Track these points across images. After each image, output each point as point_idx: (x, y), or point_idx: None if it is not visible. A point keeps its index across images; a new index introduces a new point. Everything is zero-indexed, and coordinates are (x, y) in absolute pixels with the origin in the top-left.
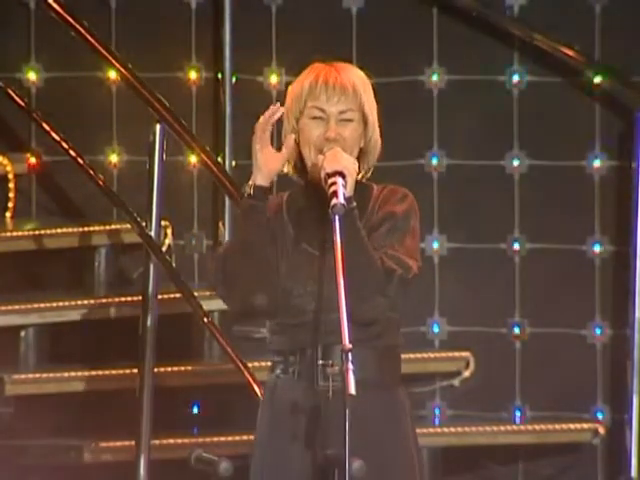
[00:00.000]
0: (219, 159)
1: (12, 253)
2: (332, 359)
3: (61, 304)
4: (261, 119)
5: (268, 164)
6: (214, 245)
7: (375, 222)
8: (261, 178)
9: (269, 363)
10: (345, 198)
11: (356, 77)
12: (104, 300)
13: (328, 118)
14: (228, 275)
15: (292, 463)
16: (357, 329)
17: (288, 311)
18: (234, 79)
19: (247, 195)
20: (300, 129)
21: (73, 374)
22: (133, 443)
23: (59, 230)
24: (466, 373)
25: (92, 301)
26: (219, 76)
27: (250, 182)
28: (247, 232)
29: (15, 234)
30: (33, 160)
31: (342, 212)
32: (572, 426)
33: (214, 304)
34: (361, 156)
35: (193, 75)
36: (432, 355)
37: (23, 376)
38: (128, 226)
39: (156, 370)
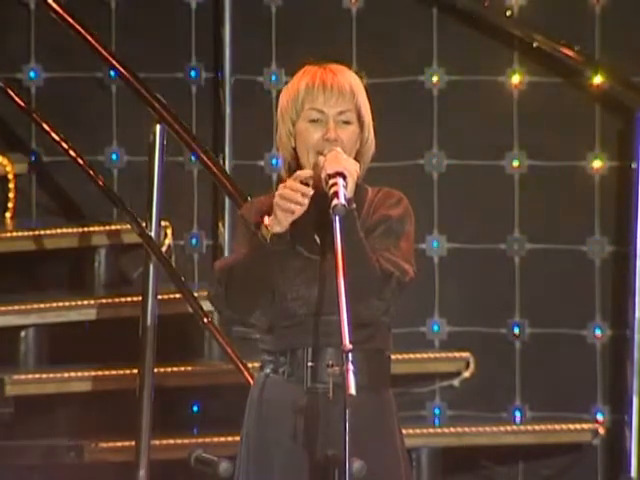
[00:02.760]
0: (219, 159)
1: (12, 253)
2: (323, 360)
3: (61, 304)
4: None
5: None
6: (215, 251)
7: (370, 225)
8: (279, 227)
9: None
10: (346, 199)
11: (352, 78)
12: (104, 300)
13: (327, 119)
14: (230, 293)
15: (282, 463)
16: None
17: (280, 314)
18: (234, 79)
19: (264, 239)
20: (297, 132)
21: (73, 374)
22: (133, 443)
23: (59, 230)
24: (466, 373)
25: (92, 301)
26: (219, 76)
27: (267, 224)
28: (258, 270)
29: (15, 234)
30: (33, 160)
31: (343, 213)
32: (572, 426)
33: None
34: (357, 158)
35: (193, 75)
36: (432, 355)
37: (23, 376)
38: (128, 226)
39: (156, 370)
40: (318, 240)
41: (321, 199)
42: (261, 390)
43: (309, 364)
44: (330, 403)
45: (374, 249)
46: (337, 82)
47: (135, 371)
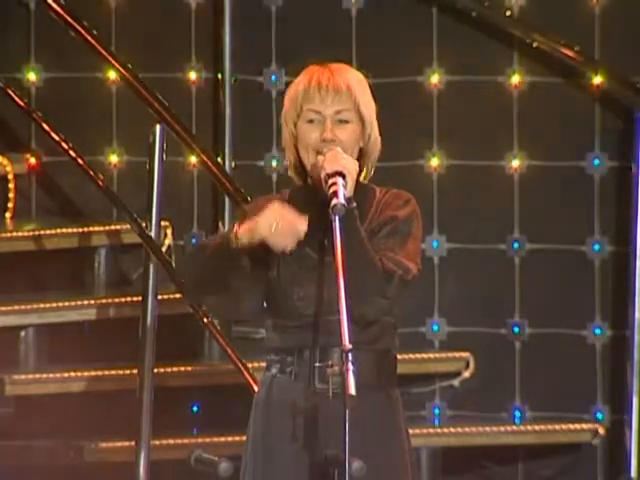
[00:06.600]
0: (219, 159)
1: (12, 253)
2: (329, 360)
3: (61, 304)
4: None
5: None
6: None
7: (377, 225)
8: (247, 239)
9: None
10: (345, 198)
11: (351, 77)
12: (104, 300)
13: (324, 119)
14: (191, 269)
15: (289, 464)
16: (355, 331)
17: (288, 314)
18: (234, 79)
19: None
20: (298, 133)
21: (73, 374)
22: (133, 443)
23: (59, 230)
24: (466, 373)
25: (92, 301)
26: (219, 76)
27: (237, 230)
28: (217, 260)
29: (15, 234)
30: (33, 160)
31: (342, 212)
32: (572, 426)
33: None
34: (361, 156)
35: (193, 75)
36: (432, 355)
37: (23, 376)
38: (128, 226)
39: (156, 370)
40: (325, 241)
41: (323, 198)
42: (268, 391)
43: (316, 364)
44: (336, 403)
45: (379, 249)
46: (333, 81)
47: (135, 371)
